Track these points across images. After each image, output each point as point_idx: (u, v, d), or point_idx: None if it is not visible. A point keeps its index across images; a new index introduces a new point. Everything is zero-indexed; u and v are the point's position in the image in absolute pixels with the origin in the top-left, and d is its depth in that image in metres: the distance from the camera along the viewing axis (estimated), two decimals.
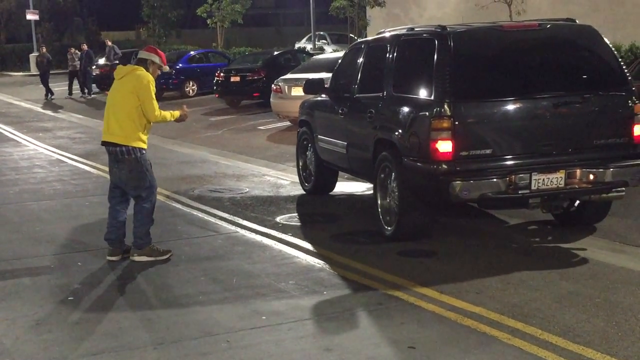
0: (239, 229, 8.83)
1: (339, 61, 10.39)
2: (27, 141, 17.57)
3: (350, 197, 10.44)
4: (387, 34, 9.03)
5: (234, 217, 9.35)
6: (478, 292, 6.41)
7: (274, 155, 14.15)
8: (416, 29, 8.49)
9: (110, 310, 6.29)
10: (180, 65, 26.51)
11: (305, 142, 10.73)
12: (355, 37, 28.71)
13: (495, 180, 7.18)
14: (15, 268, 7.49)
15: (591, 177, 7.37)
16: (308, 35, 36.99)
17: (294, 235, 8.45)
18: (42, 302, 6.51)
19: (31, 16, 43.20)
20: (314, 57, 21.28)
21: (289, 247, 8.00)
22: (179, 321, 5.97)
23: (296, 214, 9.54)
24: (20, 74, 43.39)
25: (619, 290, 6.34)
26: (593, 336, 5.41)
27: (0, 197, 10.95)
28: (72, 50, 29.90)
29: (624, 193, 7.71)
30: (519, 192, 7.24)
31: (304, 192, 10.72)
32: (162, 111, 7.57)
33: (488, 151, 7.31)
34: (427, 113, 7.37)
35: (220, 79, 22.52)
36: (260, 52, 26.74)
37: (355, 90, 9.20)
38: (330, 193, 10.65)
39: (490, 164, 7.29)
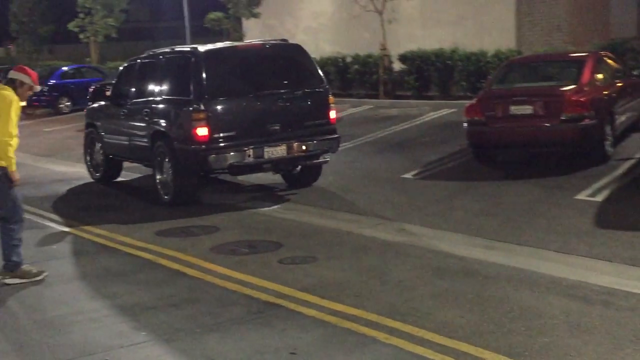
0: (115, 245, 8.65)
1: (118, 74, 12.84)
2: None
3: (228, 206, 10.40)
4: (155, 52, 11.72)
5: (113, 234, 9.16)
6: (357, 294, 6.52)
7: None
8: (176, 49, 11.40)
9: None
10: (53, 81, 25.79)
11: (92, 140, 13.00)
12: None
13: (238, 153, 10.00)
14: None
15: (304, 147, 10.44)
16: None
17: (173, 248, 8.35)
18: None
19: None
20: None
21: (169, 260, 7.89)
22: (54, 343, 5.80)
23: (174, 226, 9.41)
24: None
25: (491, 286, 6.58)
26: (467, 331, 5.59)
27: None
28: None
29: (328, 160, 10.93)
30: (256, 160, 10.11)
31: (93, 180, 12.35)
32: (12, 144, 7.15)
33: (233, 133, 10.09)
34: (189, 108, 10.05)
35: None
36: None
37: (133, 95, 11.59)
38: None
39: (235, 142, 10.05)
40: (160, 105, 10.80)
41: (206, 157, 9.88)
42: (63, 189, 12.69)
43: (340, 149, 14.66)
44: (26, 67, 7.68)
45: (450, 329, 5.64)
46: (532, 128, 11.28)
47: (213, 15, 29.77)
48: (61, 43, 50.47)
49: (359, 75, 23.48)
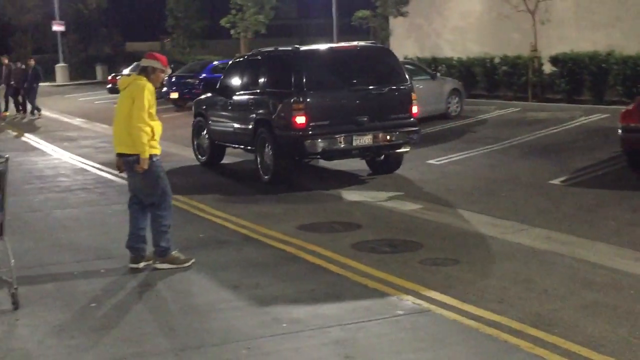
0: (259, 237, 8.83)
1: (225, 70, 14.67)
2: (52, 150, 17.74)
3: (370, 205, 10.41)
4: (261, 51, 13.29)
5: (257, 226, 9.36)
6: (500, 300, 6.37)
7: None
8: (279, 48, 12.90)
9: (131, 316, 6.33)
10: (204, 75, 26.60)
11: (199, 128, 14.49)
12: None
13: (331, 139, 11.45)
14: (39, 274, 7.55)
15: (388, 137, 11.78)
16: None
17: (314, 243, 8.44)
18: (65, 308, 6.56)
19: (57, 27, 43.66)
20: None
21: (310, 255, 7.99)
22: (199, 328, 5.99)
23: (315, 221, 9.52)
24: (47, 84, 43.73)
25: None
26: (617, 346, 5.35)
27: (26, 205, 11.04)
28: (5, 61, 27.00)
29: (409, 149, 12.20)
30: (345, 146, 11.54)
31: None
32: (145, 131, 7.33)
33: (327, 122, 11.53)
34: (290, 100, 11.50)
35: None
36: None
37: (239, 88, 13.26)
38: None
39: (328, 130, 11.49)
40: (264, 97, 12.31)
41: (303, 142, 11.32)
42: (207, 178, 13.10)
43: (485, 151, 14.49)
44: (155, 53, 7.90)
45: (599, 343, 5.41)
46: None
47: (361, 13, 29.87)
48: (213, 38, 52.04)
49: (507, 77, 22.97)
